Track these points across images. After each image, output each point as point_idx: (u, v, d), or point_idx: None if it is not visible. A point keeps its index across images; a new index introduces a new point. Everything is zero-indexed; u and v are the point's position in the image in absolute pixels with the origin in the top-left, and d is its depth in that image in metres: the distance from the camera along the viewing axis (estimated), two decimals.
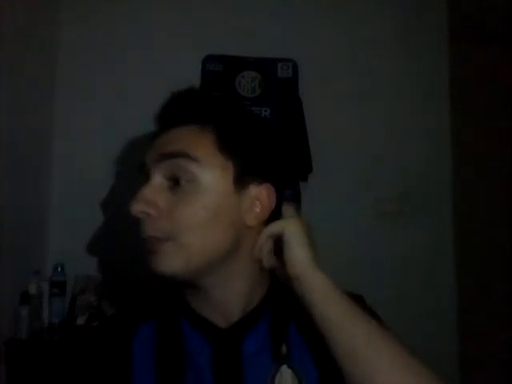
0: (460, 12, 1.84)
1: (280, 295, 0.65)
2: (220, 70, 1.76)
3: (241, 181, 0.60)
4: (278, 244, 0.60)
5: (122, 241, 1.65)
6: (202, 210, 0.58)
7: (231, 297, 0.62)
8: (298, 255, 0.58)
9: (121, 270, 1.62)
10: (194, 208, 0.58)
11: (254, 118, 0.68)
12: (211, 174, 0.59)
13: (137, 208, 0.59)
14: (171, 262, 0.58)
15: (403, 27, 1.85)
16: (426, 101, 1.83)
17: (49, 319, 1.53)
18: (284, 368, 0.60)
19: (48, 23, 1.70)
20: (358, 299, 0.62)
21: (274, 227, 0.60)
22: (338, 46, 1.83)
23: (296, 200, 1.70)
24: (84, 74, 1.73)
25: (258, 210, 0.61)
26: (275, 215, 0.62)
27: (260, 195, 0.61)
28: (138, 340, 0.63)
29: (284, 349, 0.61)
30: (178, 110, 0.63)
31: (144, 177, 0.62)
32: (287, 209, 0.63)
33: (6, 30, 1.39)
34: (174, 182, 0.59)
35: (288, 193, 1.74)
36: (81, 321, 1.51)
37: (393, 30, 1.85)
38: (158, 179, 0.60)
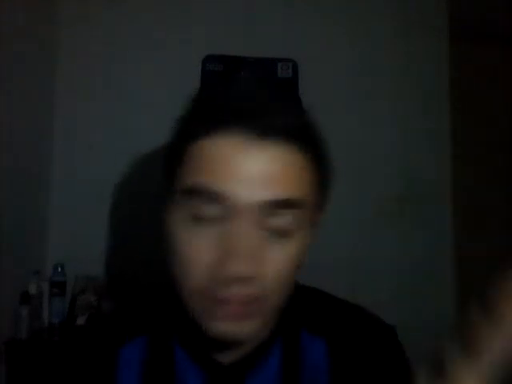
0: (460, 12, 1.84)
1: (292, 320, 0.55)
2: (220, 70, 1.76)
3: (314, 220, 0.50)
4: None
5: (123, 241, 1.66)
6: (294, 267, 0.47)
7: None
8: None
9: (121, 270, 1.62)
10: (287, 266, 0.46)
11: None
12: (306, 224, 0.47)
13: (240, 268, 0.43)
14: (257, 325, 0.47)
15: (403, 27, 1.85)
16: (426, 101, 1.83)
17: (49, 319, 1.53)
18: None
19: (48, 23, 1.70)
20: (381, 336, 0.56)
21: None
22: (338, 46, 1.83)
23: None
24: (84, 74, 1.73)
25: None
26: None
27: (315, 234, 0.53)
28: (122, 364, 0.53)
29: None
30: (283, 117, 0.46)
31: (213, 209, 0.44)
32: None
33: (6, 30, 1.39)
34: (270, 235, 0.45)
35: None
36: (81, 321, 1.51)
37: (393, 30, 1.85)
38: (253, 227, 0.44)
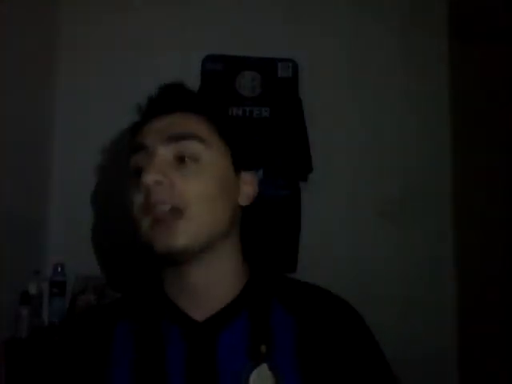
0: (460, 12, 1.84)
1: (261, 289, 0.66)
2: (220, 70, 1.76)
3: (236, 165, 0.67)
4: None
5: (123, 240, 1.65)
6: (210, 184, 0.62)
7: (214, 281, 0.63)
8: None
9: (121, 270, 1.62)
10: (202, 182, 0.62)
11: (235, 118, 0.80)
12: (215, 155, 0.64)
13: (152, 177, 0.59)
14: (185, 237, 0.59)
15: (403, 27, 1.85)
16: (426, 101, 1.83)
17: (49, 319, 1.53)
18: (262, 368, 0.59)
19: (48, 23, 1.70)
20: (350, 320, 0.65)
21: None
22: (337, 46, 1.83)
23: (296, 200, 1.71)
24: (84, 73, 1.73)
25: (250, 192, 0.68)
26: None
27: (251, 180, 0.69)
28: (116, 340, 0.63)
29: (263, 348, 0.60)
30: (176, 98, 0.68)
31: (142, 157, 0.64)
32: None
33: (6, 29, 1.39)
34: (180, 161, 0.62)
35: (286, 192, 1.74)
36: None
37: (393, 30, 1.85)
38: (165, 155, 0.62)
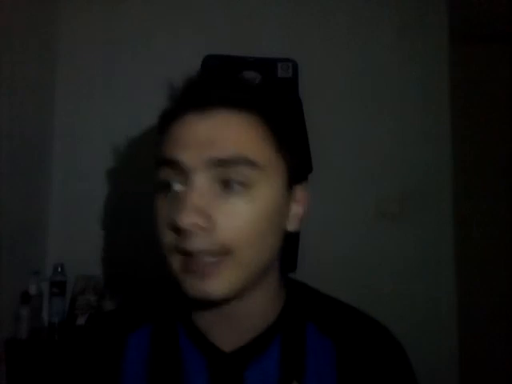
0: (460, 12, 1.84)
1: (296, 314, 0.58)
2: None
3: (290, 183, 0.54)
4: None
5: (122, 240, 1.66)
6: (261, 220, 0.50)
7: (252, 312, 0.55)
8: None
9: (121, 270, 1.62)
10: (253, 216, 0.49)
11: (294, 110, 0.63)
12: (271, 178, 0.51)
13: (189, 220, 0.47)
14: (228, 283, 0.49)
15: (403, 27, 1.85)
16: (426, 101, 1.83)
17: (49, 319, 1.53)
18: None
19: (48, 23, 1.70)
20: (391, 348, 0.59)
21: None
22: (337, 46, 1.83)
23: None
24: (84, 73, 1.73)
25: (300, 213, 0.56)
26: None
27: (303, 198, 0.57)
28: (128, 355, 0.56)
29: None
30: (221, 89, 0.52)
31: (175, 172, 0.50)
32: None
33: (6, 30, 1.39)
34: (226, 188, 0.49)
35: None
36: (81, 321, 1.52)
37: (393, 31, 1.85)
38: (205, 183, 0.49)
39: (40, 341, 1.44)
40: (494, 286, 1.70)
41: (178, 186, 0.50)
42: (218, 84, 0.53)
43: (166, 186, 0.51)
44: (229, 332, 0.55)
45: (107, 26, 1.76)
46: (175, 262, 0.50)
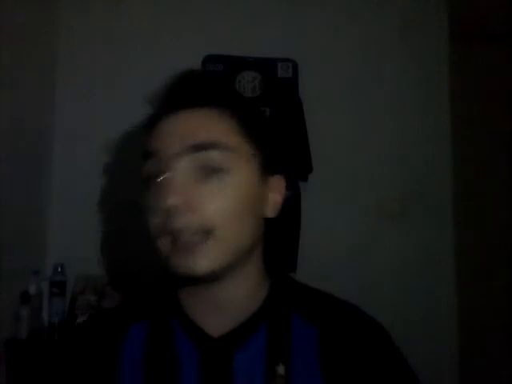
0: (460, 12, 1.84)
1: (282, 301, 0.61)
2: (220, 70, 1.76)
3: (264, 171, 0.60)
4: None
5: (122, 240, 1.65)
6: (238, 202, 0.55)
7: (237, 297, 0.59)
8: None
9: (121, 270, 1.62)
10: (230, 198, 0.55)
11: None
12: (244, 163, 0.57)
13: (173, 201, 0.53)
14: (211, 260, 0.54)
15: (403, 28, 1.85)
16: (426, 101, 1.83)
17: (49, 319, 1.53)
18: None
19: (48, 23, 1.70)
20: (377, 335, 0.61)
21: None
22: (338, 46, 1.83)
23: (296, 200, 1.71)
24: (84, 73, 1.73)
25: (278, 201, 0.61)
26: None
27: (279, 186, 0.62)
28: (126, 343, 0.60)
29: (281, 369, 0.56)
30: (193, 91, 0.58)
31: (157, 165, 0.56)
32: None
33: (6, 30, 1.39)
34: (204, 172, 0.55)
35: (288, 193, 1.74)
36: (81, 321, 1.52)
37: (393, 31, 1.85)
38: (185, 168, 0.55)
39: (40, 341, 1.44)
40: (494, 286, 1.70)
41: (161, 175, 0.56)
42: (191, 87, 0.60)
43: (152, 178, 0.57)
44: (216, 318, 0.59)
45: (107, 26, 1.76)
46: (163, 244, 0.55)
